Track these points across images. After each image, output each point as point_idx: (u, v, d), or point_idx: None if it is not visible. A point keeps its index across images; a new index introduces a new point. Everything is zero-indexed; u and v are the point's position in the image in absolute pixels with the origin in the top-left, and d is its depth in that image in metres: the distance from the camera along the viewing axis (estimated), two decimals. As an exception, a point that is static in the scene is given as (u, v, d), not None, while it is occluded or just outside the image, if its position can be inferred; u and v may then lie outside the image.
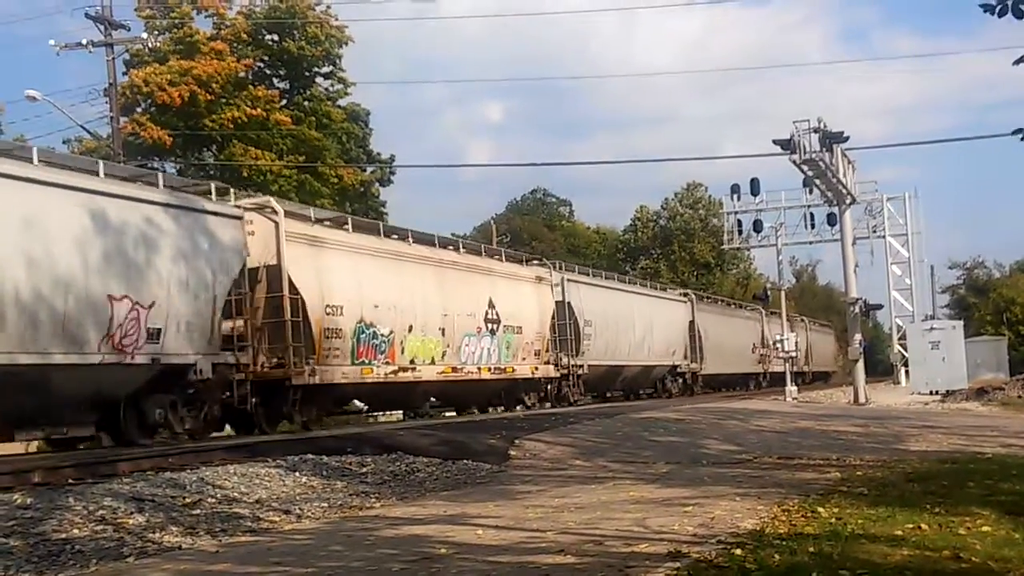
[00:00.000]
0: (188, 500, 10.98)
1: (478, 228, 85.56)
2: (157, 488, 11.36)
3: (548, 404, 32.80)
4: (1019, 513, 9.03)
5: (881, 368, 69.84)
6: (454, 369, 27.53)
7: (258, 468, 13.32)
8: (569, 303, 34.73)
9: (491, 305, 29.54)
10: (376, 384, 24.59)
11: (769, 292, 50.09)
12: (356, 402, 26.07)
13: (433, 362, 26.58)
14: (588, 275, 39.62)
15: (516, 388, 31.84)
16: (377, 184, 52.20)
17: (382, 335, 24.53)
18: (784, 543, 7.63)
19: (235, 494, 11.64)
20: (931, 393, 41.63)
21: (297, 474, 13.29)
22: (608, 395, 42.15)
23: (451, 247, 29.76)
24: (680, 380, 45.83)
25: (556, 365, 33.36)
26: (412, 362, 25.75)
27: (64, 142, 43.02)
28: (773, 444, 18.92)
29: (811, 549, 7.31)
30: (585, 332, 35.47)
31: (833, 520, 8.87)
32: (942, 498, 10.21)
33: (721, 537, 8.05)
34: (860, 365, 38.15)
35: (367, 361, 24.02)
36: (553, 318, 33.55)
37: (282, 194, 39.60)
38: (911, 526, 8.40)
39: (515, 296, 31.30)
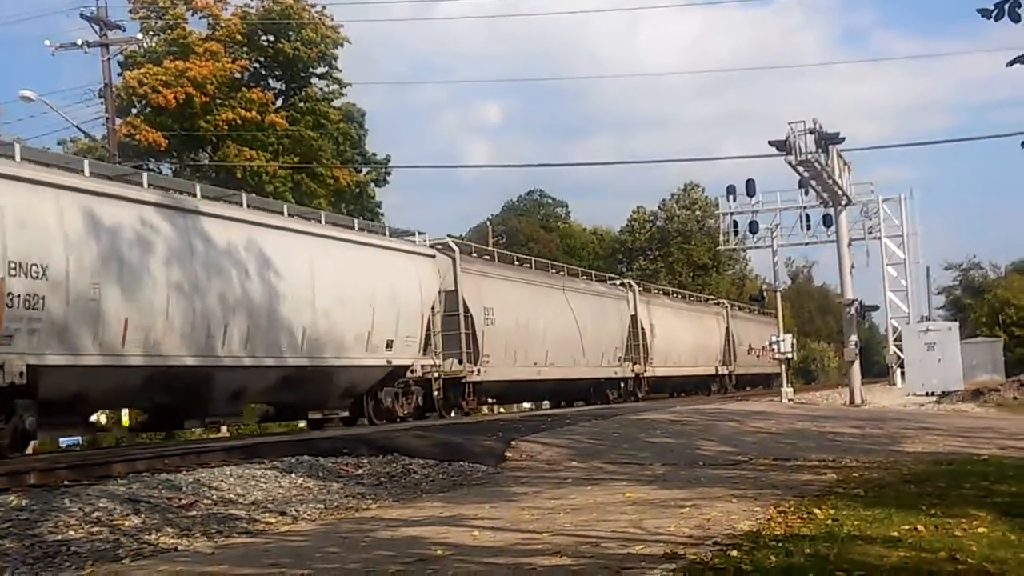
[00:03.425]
0: (184, 501, 10.96)
1: (474, 229, 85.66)
2: (153, 489, 11.34)
3: None
4: (1015, 514, 9.04)
5: (877, 369, 69.95)
6: None
7: (254, 469, 13.31)
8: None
9: None
10: None
11: (765, 293, 50.19)
12: None
13: None
14: (140, 186, 19.99)
15: None
16: (373, 185, 52.20)
17: None
18: (780, 544, 7.63)
19: (231, 495, 11.63)
20: (927, 394, 41.63)
21: (293, 475, 13.28)
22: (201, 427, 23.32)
23: None
24: (419, 391, 27.36)
25: None
26: None
27: (59, 143, 43.02)
28: (769, 445, 18.91)
29: (807, 550, 7.30)
30: (93, 291, 17.57)
31: (829, 521, 8.87)
32: (938, 499, 10.22)
33: (717, 538, 8.05)
34: (856, 367, 38.12)
35: None
36: None
37: (277, 195, 39.64)
38: (907, 527, 8.40)
39: None
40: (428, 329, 28.03)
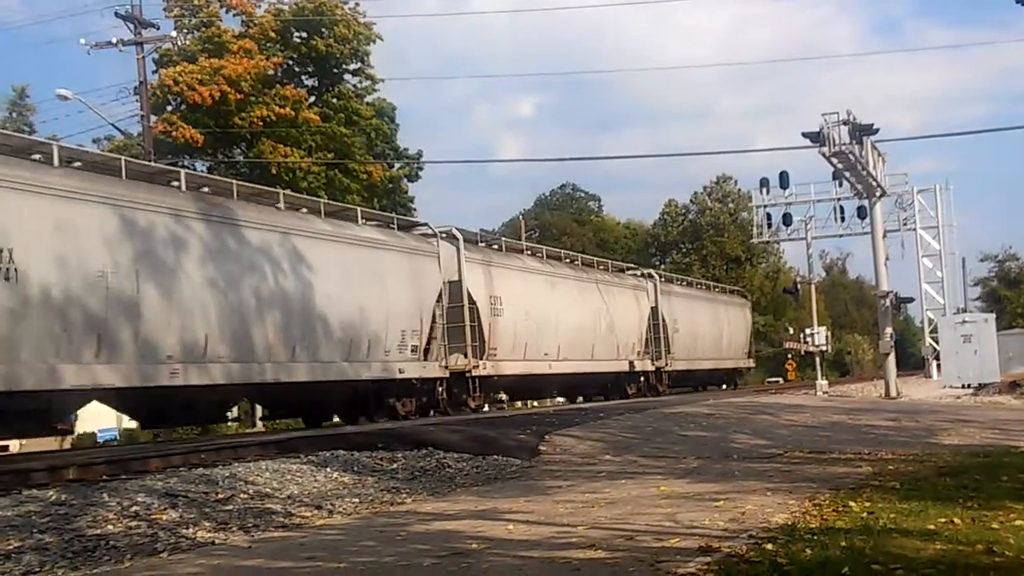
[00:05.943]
0: (220, 496, 11.04)
1: (507, 224, 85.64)
2: (190, 484, 11.43)
3: None
4: (1053, 507, 8.95)
5: (913, 362, 69.45)
6: None
7: (290, 464, 13.39)
8: None
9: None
10: None
11: (799, 286, 49.83)
12: None
13: None
14: None
15: None
16: (405, 180, 52.37)
17: None
18: (816, 537, 7.59)
19: (267, 490, 11.70)
20: (963, 387, 41.33)
21: (328, 470, 13.35)
22: None
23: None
24: None
25: None
26: None
27: (94, 141, 43.39)
28: (804, 438, 18.82)
29: (843, 543, 7.27)
30: None
31: (865, 514, 8.82)
32: (975, 492, 10.13)
33: (752, 532, 8.03)
34: (891, 359, 37.89)
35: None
36: None
37: (311, 191, 39.81)
38: (944, 520, 8.34)
39: None
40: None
